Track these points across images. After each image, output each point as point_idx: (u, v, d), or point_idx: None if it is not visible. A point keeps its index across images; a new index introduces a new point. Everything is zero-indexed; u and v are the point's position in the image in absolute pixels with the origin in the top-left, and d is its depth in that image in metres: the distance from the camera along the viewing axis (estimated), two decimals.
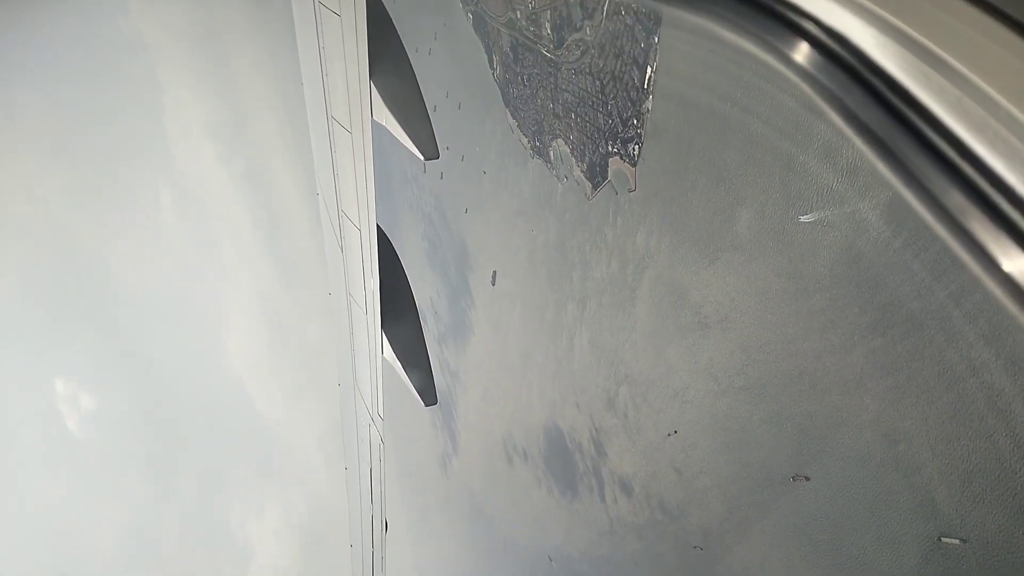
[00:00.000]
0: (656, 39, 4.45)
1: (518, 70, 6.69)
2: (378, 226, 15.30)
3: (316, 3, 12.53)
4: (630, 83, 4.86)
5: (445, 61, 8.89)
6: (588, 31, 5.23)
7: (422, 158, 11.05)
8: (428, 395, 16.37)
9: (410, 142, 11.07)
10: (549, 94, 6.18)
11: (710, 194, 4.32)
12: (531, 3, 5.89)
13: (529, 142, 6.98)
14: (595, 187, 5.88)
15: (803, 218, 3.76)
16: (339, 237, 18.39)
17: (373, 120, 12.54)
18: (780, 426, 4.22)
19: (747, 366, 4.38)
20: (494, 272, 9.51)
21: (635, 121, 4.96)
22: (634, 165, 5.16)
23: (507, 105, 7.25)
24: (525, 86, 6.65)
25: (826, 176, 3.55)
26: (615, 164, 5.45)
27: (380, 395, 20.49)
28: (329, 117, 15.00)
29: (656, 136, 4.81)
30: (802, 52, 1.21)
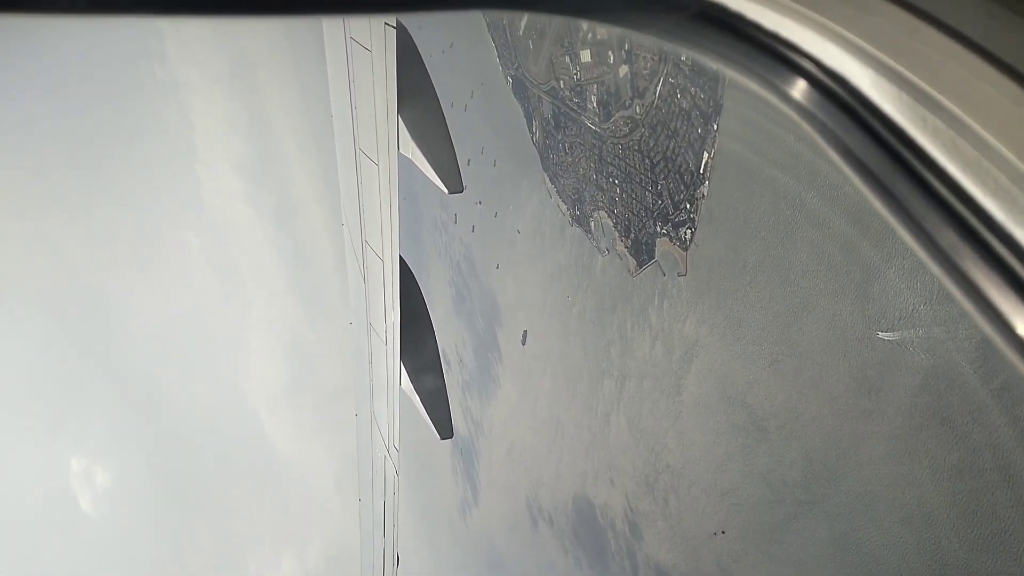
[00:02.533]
0: (716, 126, 4.20)
1: (559, 137, 6.47)
2: (401, 258, 15.21)
3: (348, 38, 12.56)
4: (684, 166, 4.61)
5: (481, 118, 8.73)
6: (638, 109, 4.99)
7: (446, 191, 10.92)
8: (444, 428, 16.16)
9: (435, 175, 10.97)
10: (593, 165, 5.94)
11: (773, 294, 4.02)
12: (576, 75, 5.69)
13: (568, 210, 6.74)
14: (640, 265, 5.60)
15: (883, 335, 3.45)
16: (362, 267, 18.29)
17: (400, 153, 12.50)
18: (845, 551, 3.87)
19: (810, 480, 4.04)
20: (524, 332, 9.24)
21: (688, 205, 4.70)
22: (685, 249, 4.88)
23: (546, 170, 7.03)
24: (567, 154, 6.43)
25: (910, 298, 3.26)
26: (664, 245, 5.18)
27: (397, 427, 20.21)
28: (357, 149, 15.00)
29: (712, 222, 4.53)
30: (800, 90, 1.28)
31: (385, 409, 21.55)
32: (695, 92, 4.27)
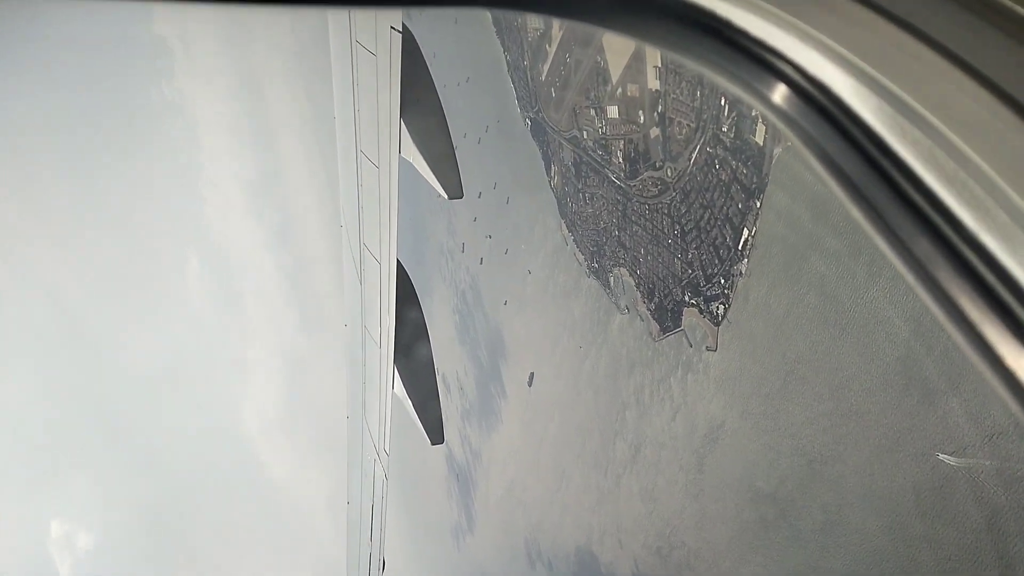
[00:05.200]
0: (759, 204, 3.89)
1: (580, 186, 6.17)
2: (398, 263, 15.02)
3: (353, 42, 12.38)
4: (720, 240, 4.30)
5: (495, 154, 8.44)
6: (669, 172, 4.69)
7: (446, 196, 10.70)
8: (435, 434, 16.00)
9: (435, 179, 10.76)
10: (615, 221, 5.64)
11: (816, 393, 3.71)
12: (602, 128, 5.39)
13: (586, 261, 6.43)
14: (664, 331, 5.28)
15: (945, 458, 3.13)
16: (359, 269, 18.07)
17: (401, 157, 12.33)
18: None
19: None
20: (532, 374, 8.92)
21: (723, 280, 4.39)
22: (717, 325, 4.57)
23: (563, 216, 6.72)
24: (587, 204, 6.13)
25: (969, 430, 2.95)
26: (692, 316, 4.87)
27: (388, 431, 19.95)
28: (358, 151, 14.84)
29: (749, 303, 4.22)
30: (782, 95, 1.31)
31: (377, 412, 21.39)
32: (736, 166, 3.97)
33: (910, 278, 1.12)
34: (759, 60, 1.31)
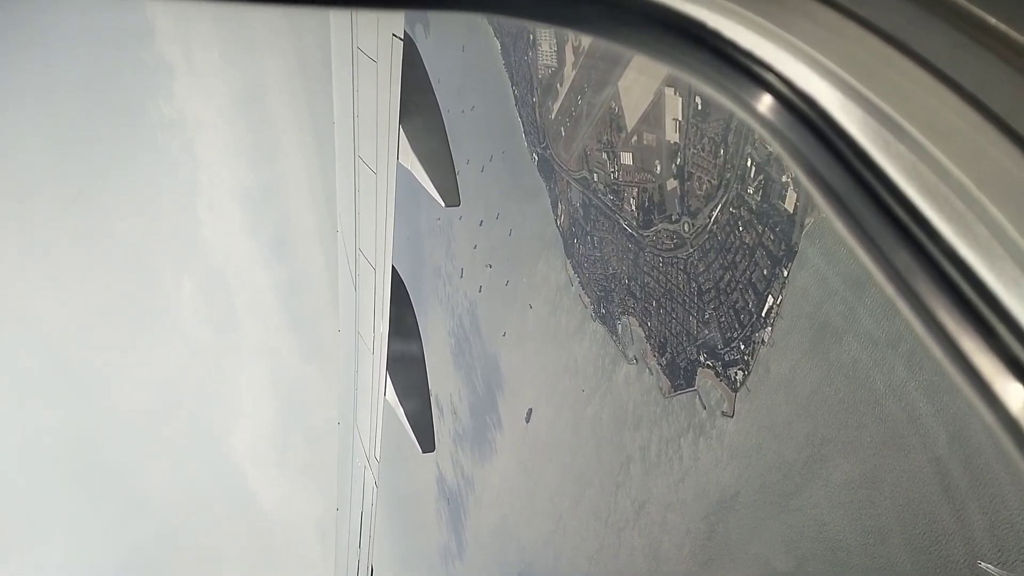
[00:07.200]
0: (787, 273, 3.65)
1: (588, 228, 5.93)
2: (394, 270, 14.89)
3: (355, 48, 12.30)
4: (741, 305, 4.06)
5: (499, 184, 8.20)
6: (687, 228, 4.45)
7: (443, 204, 10.52)
8: (426, 442, 15.85)
9: (432, 186, 10.61)
10: (626, 269, 5.39)
11: (845, 477, 3.46)
12: (613, 174, 5.15)
13: (592, 304, 6.18)
14: (675, 389, 5.03)
15: (984, 565, 2.89)
16: (354, 275, 17.93)
17: (399, 164, 12.21)
18: None
19: None
20: (530, 410, 8.66)
21: (743, 346, 4.14)
22: (735, 391, 4.32)
23: (568, 256, 6.48)
24: (595, 248, 5.88)
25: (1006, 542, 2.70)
26: (707, 377, 4.62)
27: (379, 437, 19.75)
28: (356, 157, 14.74)
29: (771, 375, 3.98)
30: (767, 105, 1.29)
31: (368, 418, 21.28)
32: (763, 230, 3.73)
33: (890, 290, 1.12)
34: (746, 71, 1.32)
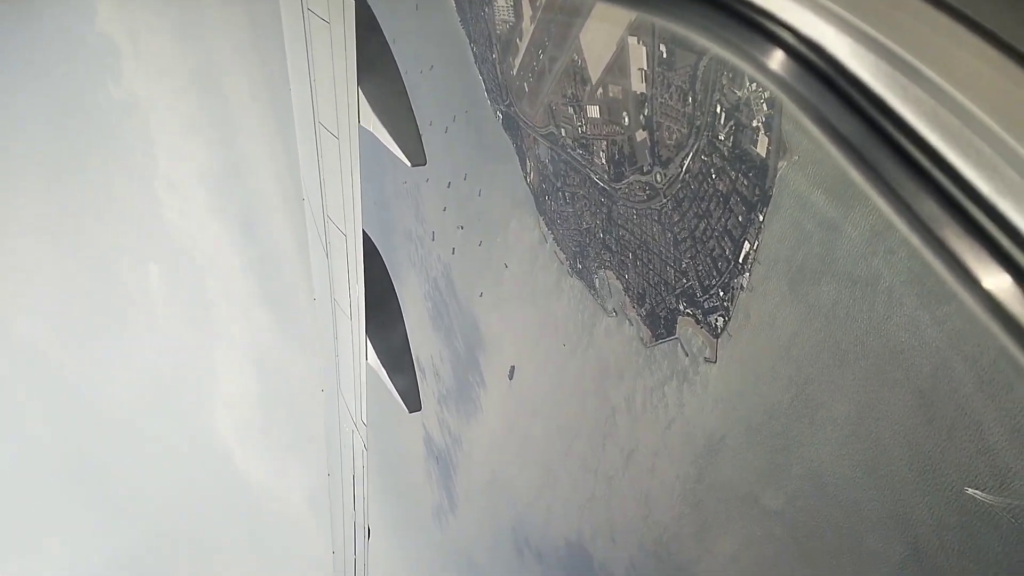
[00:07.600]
0: (762, 218, 3.66)
1: (558, 184, 5.88)
2: (364, 232, 14.84)
3: (305, 10, 11.97)
4: (718, 252, 4.07)
5: (464, 144, 8.06)
6: (659, 178, 4.42)
7: (409, 164, 10.43)
8: (412, 402, 16.02)
9: (396, 147, 10.48)
10: (600, 223, 5.37)
11: (831, 415, 3.53)
12: (581, 127, 5.08)
13: (568, 260, 6.17)
14: (656, 338, 5.07)
15: (973, 492, 2.99)
16: (324, 242, 17.78)
17: (361, 127, 12.04)
18: None
19: None
20: (512, 367, 8.70)
21: (722, 292, 4.17)
22: (716, 337, 4.36)
23: (541, 213, 6.44)
24: (567, 204, 5.84)
25: (1013, 457, 2.79)
26: (687, 325, 4.65)
27: (364, 401, 19.90)
28: (316, 123, 14.50)
29: (751, 319, 4.02)
30: (777, 60, 1.23)
31: (352, 383, 21.32)
32: (736, 177, 3.72)
33: (915, 240, 1.07)
34: (753, 24, 1.26)
